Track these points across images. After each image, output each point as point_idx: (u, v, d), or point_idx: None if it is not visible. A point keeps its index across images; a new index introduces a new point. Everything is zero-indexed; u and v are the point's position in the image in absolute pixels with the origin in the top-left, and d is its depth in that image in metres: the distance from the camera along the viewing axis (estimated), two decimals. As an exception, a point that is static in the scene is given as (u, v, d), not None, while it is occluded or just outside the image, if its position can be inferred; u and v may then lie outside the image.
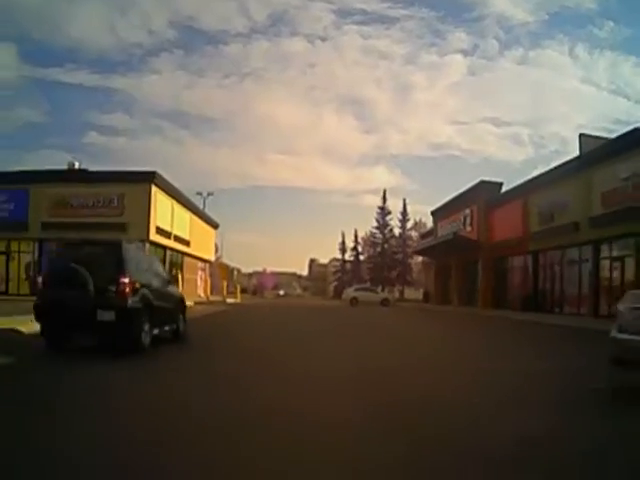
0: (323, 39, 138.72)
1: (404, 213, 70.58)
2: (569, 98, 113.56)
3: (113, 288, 7.90)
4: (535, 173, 25.85)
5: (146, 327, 8.49)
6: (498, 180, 32.84)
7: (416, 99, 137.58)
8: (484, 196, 32.49)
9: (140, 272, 8.71)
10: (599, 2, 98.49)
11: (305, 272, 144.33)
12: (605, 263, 21.39)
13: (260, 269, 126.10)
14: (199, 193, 45.85)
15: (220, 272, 43.69)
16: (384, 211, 70.10)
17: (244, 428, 4.16)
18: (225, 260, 61.74)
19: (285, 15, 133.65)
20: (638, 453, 3.81)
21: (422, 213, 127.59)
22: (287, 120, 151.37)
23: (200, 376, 6.82)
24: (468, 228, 34.68)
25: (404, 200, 72.43)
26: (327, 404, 5.17)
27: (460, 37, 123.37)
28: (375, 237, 72.10)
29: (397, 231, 71.71)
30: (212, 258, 45.46)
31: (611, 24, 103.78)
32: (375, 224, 71.42)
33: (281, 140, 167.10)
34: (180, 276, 30.71)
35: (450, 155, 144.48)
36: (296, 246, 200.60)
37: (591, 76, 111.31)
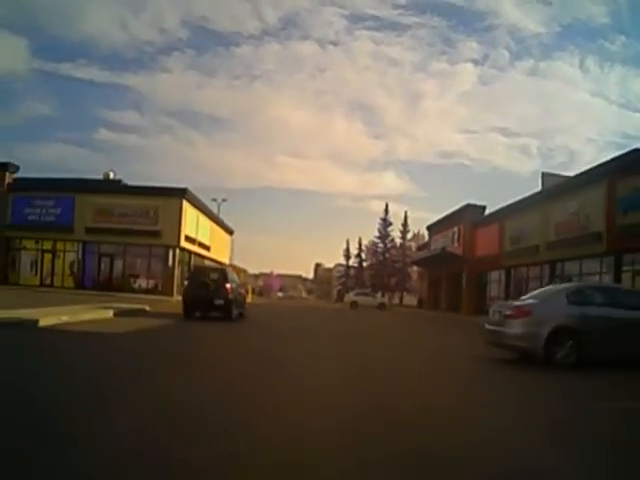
0: (334, 44, 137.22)
1: (405, 225, 75.35)
2: (579, 110, 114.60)
3: (222, 289, 15.93)
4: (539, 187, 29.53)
5: (234, 308, 16.63)
6: (482, 204, 37.33)
7: (426, 106, 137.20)
8: (469, 217, 37.00)
9: (232, 281, 16.95)
10: (612, 16, 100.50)
11: (311, 275, 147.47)
12: (557, 281, 25.81)
13: (266, 270, 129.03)
14: (214, 199, 50.16)
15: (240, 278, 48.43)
16: (386, 222, 74.97)
17: (281, 342, 10.18)
18: (233, 261, 66.47)
19: (297, 18, 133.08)
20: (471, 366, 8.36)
21: (428, 220, 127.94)
22: (296, 123, 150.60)
23: (259, 329, 15.51)
24: (455, 244, 39.15)
25: (405, 212, 77.52)
26: (320, 343, 9.84)
27: (471, 46, 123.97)
28: (377, 246, 76.85)
29: (399, 241, 76.53)
30: (227, 261, 50.26)
31: (623, 38, 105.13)
32: (378, 234, 76.37)
33: (290, 143, 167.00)
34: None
35: (459, 164, 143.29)
36: (302, 249, 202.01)
37: (601, 89, 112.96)
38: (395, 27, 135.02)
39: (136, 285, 33.28)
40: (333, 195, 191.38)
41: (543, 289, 11.34)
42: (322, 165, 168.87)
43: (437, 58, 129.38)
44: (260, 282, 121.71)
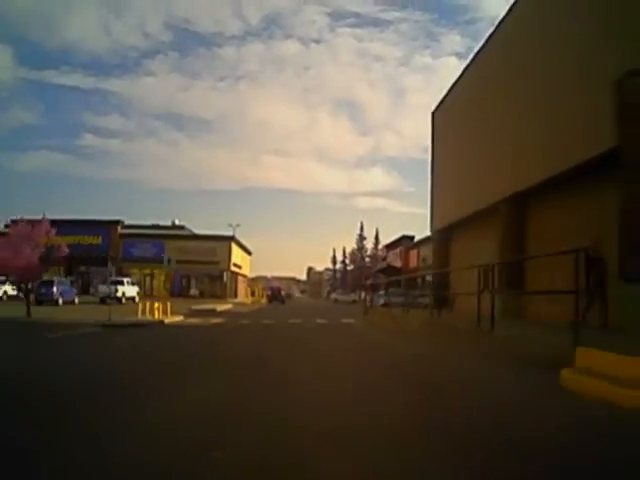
0: (317, 41, 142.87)
1: (377, 238, 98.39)
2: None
3: (280, 293, 45.14)
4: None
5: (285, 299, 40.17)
6: (412, 234, 59.96)
7: (411, 101, 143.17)
8: (404, 243, 59.69)
9: (283, 290, 42.82)
10: None
11: (303, 277, 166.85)
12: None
13: (260, 274, 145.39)
14: (230, 225, 71.44)
15: (255, 284, 71.01)
16: (361, 237, 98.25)
17: (300, 309, 31.92)
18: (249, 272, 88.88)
19: (279, 17, 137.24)
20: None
21: (416, 215, 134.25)
22: (282, 122, 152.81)
23: (292, 307, 36.49)
24: (398, 260, 61.82)
25: (376, 230, 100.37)
26: (311, 309, 32.42)
27: (454, 39, 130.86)
28: (355, 256, 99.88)
29: (375, 251, 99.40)
30: (248, 274, 72.76)
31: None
32: (356, 246, 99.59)
33: (276, 142, 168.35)
34: (235, 287, 58.09)
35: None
36: (293, 250, 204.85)
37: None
38: (377, 23, 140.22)
39: (204, 294, 55.55)
40: (321, 194, 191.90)
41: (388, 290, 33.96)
42: (309, 164, 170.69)
43: (420, 52, 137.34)
44: (255, 285, 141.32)
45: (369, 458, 3.51)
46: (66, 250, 23.20)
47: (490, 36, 18.60)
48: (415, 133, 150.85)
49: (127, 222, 58.72)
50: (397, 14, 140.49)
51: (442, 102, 24.31)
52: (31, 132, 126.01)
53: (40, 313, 22.38)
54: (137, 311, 22.32)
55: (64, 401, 5.36)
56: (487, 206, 17.92)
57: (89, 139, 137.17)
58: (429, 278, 44.80)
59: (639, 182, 7.63)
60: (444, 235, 24.23)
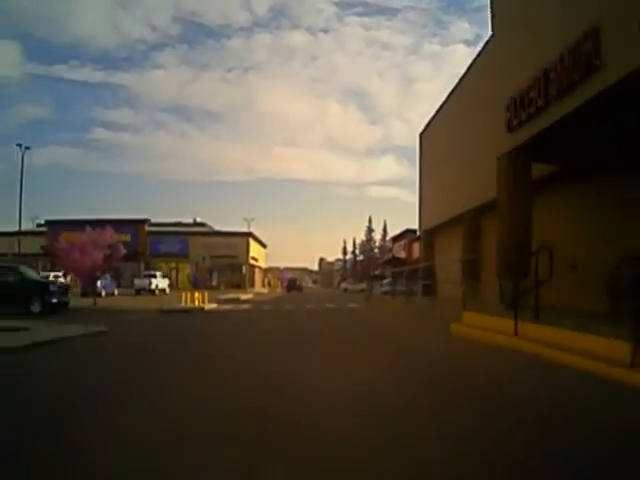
0: (325, 31, 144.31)
1: (385, 230, 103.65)
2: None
3: (297, 284, 51.67)
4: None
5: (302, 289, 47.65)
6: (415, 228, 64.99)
7: (420, 89, 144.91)
8: (408, 236, 64.82)
9: (299, 280, 49.94)
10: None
11: (315, 267, 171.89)
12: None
13: (272, 264, 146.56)
14: (245, 219, 77.62)
15: (272, 276, 76.85)
16: (370, 229, 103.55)
17: (312, 296, 37.37)
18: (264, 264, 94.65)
19: (286, 8, 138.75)
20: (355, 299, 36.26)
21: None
22: (292, 113, 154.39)
23: (307, 294, 42.56)
24: (402, 251, 67.03)
25: (384, 222, 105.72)
26: (323, 297, 37.88)
27: (463, 27, 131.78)
28: (364, 247, 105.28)
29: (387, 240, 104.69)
30: (264, 265, 78.44)
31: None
32: (365, 238, 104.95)
33: (286, 133, 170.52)
34: (252, 278, 63.84)
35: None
36: (305, 240, 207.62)
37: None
38: (385, 11, 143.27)
39: (225, 285, 61.28)
40: (333, 184, 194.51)
41: (385, 280, 39.26)
42: (320, 154, 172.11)
43: (429, 40, 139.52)
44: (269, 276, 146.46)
45: (345, 331, 9.01)
46: (123, 250, 28.76)
47: (458, 83, 23.78)
48: (424, 121, 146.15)
49: (145, 216, 64.36)
50: (405, 2, 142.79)
51: (427, 127, 29.46)
52: (41, 127, 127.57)
53: (99, 303, 27.77)
54: (180, 300, 27.76)
55: (214, 337, 11.02)
56: (456, 215, 23.18)
57: (100, 133, 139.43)
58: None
59: (505, 220, 12.91)
60: (429, 235, 29.51)
